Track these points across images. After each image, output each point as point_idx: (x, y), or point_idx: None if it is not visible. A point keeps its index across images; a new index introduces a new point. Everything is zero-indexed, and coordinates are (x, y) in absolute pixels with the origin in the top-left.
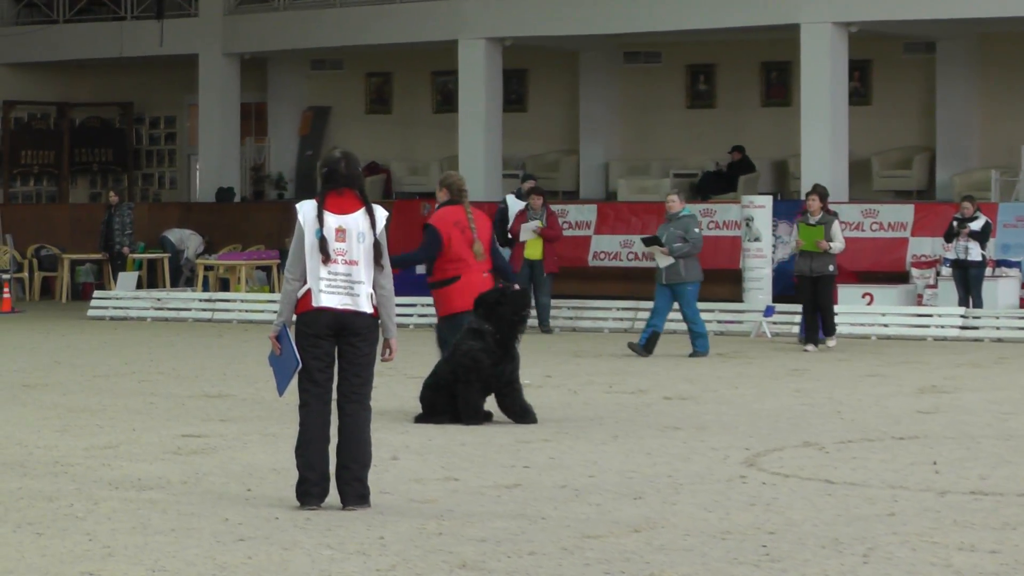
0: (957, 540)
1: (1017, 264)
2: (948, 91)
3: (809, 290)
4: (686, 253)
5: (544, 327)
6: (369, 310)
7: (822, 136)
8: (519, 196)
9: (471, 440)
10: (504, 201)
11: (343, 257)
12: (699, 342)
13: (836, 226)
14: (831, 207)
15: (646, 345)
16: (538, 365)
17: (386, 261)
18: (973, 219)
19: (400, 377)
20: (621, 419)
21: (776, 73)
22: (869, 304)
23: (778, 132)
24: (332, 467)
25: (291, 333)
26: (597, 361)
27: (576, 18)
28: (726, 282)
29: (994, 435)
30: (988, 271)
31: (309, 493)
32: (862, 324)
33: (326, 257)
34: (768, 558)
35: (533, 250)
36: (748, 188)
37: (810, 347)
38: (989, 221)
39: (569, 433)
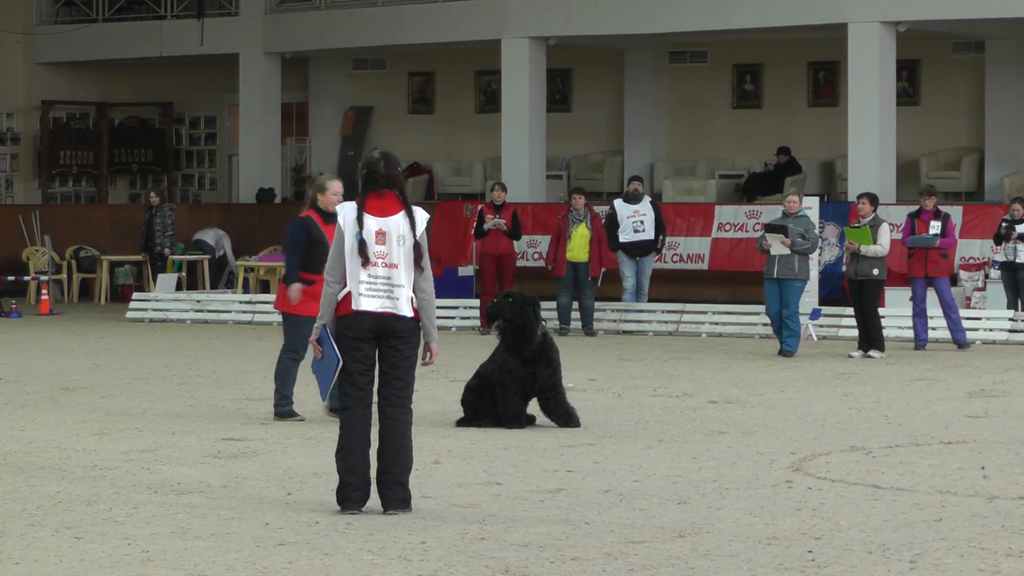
0: (1006, 546)
1: None
2: (997, 91)
3: (856, 294)
4: (806, 250)
5: (588, 330)
6: (409, 313)
7: (870, 137)
8: (627, 199)
9: (514, 444)
10: (612, 206)
11: (383, 260)
12: (792, 341)
13: (884, 228)
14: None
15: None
16: (582, 368)
17: (426, 263)
18: (1022, 221)
19: (442, 380)
20: (666, 423)
21: (823, 73)
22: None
23: (825, 132)
24: (373, 471)
25: (331, 335)
26: (642, 364)
27: (621, 17)
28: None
29: None
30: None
31: (350, 498)
32: (910, 328)
33: (365, 260)
34: (814, 564)
35: (579, 252)
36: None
37: (856, 353)
38: None
39: (613, 437)
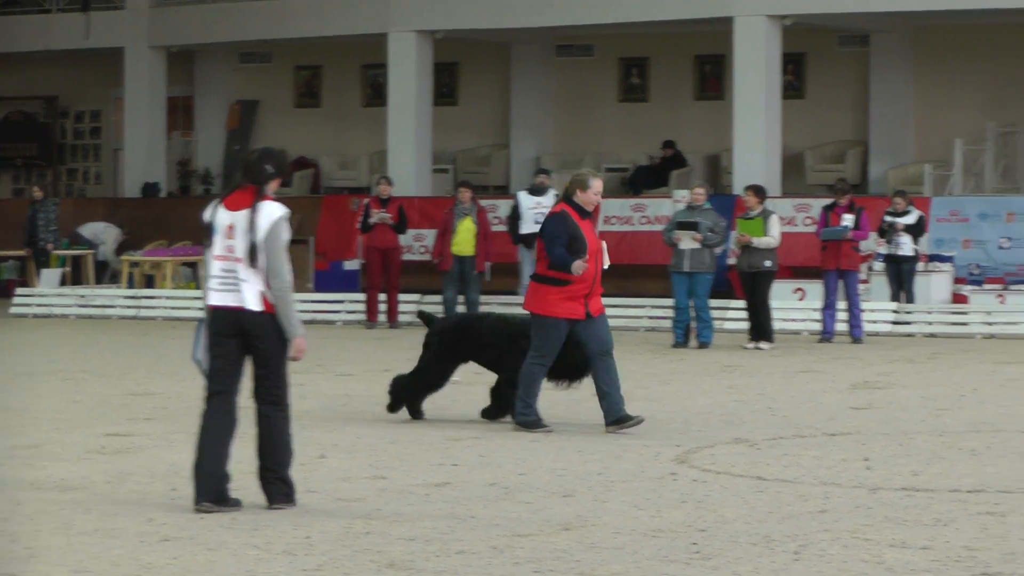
0: (889, 537)
1: (950, 259)
2: (882, 85)
3: (748, 286)
4: (716, 243)
5: None
6: (257, 308)
7: (755, 130)
8: (531, 191)
9: (400, 438)
10: (516, 198)
11: (232, 254)
12: (707, 332)
13: (774, 219)
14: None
15: (686, 340)
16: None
17: (273, 262)
18: (906, 214)
19: (329, 375)
20: (552, 416)
21: (709, 67)
22: (801, 300)
23: (711, 126)
24: (239, 467)
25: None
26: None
27: (508, 11)
28: (658, 278)
29: (927, 431)
30: (921, 266)
31: (197, 491)
32: (795, 320)
33: (217, 254)
34: (699, 556)
35: (464, 246)
36: (680, 183)
37: (750, 345)
38: (923, 215)
39: (499, 431)
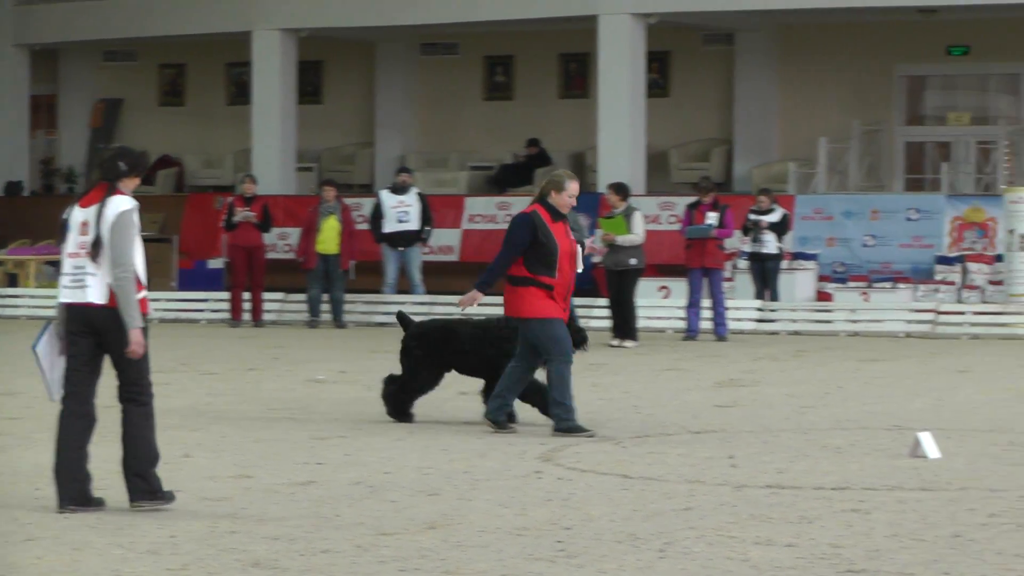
0: (754, 534)
1: (814, 257)
2: (747, 83)
3: (614, 284)
4: (580, 242)
5: (338, 322)
6: (100, 302)
7: (620, 128)
8: (393, 190)
9: (265, 437)
10: (378, 196)
11: (84, 250)
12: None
13: (637, 217)
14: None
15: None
16: (332, 361)
17: (117, 252)
18: (770, 212)
19: (193, 374)
20: (417, 415)
21: (574, 65)
22: (666, 298)
23: (576, 124)
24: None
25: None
26: (392, 357)
27: (372, 9)
28: None
29: (792, 428)
30: (785, 264)
31: (59, 495)
32: (660, 318)
33: (69, 251)
34: (564, 554)
35: (329, 244)
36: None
37: (615, 342)
38: (787, 213)
39: (364, 430)
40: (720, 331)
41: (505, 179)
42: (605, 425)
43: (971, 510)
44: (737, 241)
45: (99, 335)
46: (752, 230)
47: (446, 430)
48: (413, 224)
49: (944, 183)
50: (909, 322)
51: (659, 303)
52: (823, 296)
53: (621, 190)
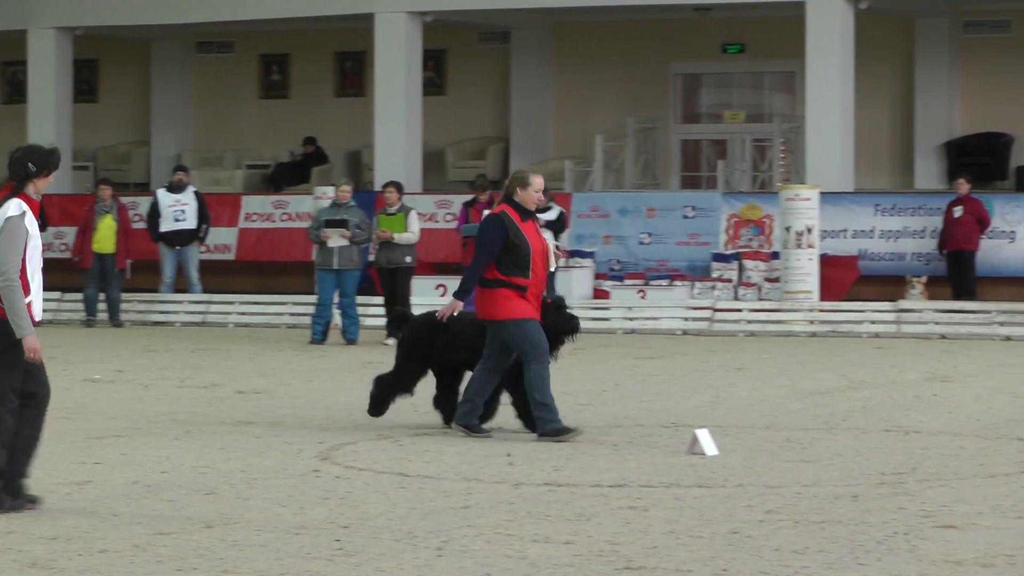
0: (532, 532)
1: (591, 255)
2: (523, 81)
3: (388, 282)
4: (364, 240)
5: (115, 321)
6: None
7: (396, 127)
8: (170, 188)
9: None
10: (155, 195)
11: None
12: (354, 329)
13: (413, 215)
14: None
15: (324, 337)
16: (109, 360)
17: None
18: (547, 210)
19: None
20: (194, 414)
21: (350, 63)
22: (443, 296)
23: (352, 123)
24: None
25: None
26: (169, 355)
27: (147, 7)
28: (299, 274)
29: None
30: (562, 262)
31: None
32: None
33: None
34: (342, 552)
35: (105, 243)
36: (322, 180)
37: (389, 341)
38: (563, 212)
39: (141, 428)
40: None
41: (281, 178)
42: (381, 423)
43: (748, 506)
44: None
45: None
46: None
47: (223, 429)
48: (190, 223)
49: (720, 181)
50: (686, 319)
51: (436, 301)
52: (600, 294)
53: (401, 188)
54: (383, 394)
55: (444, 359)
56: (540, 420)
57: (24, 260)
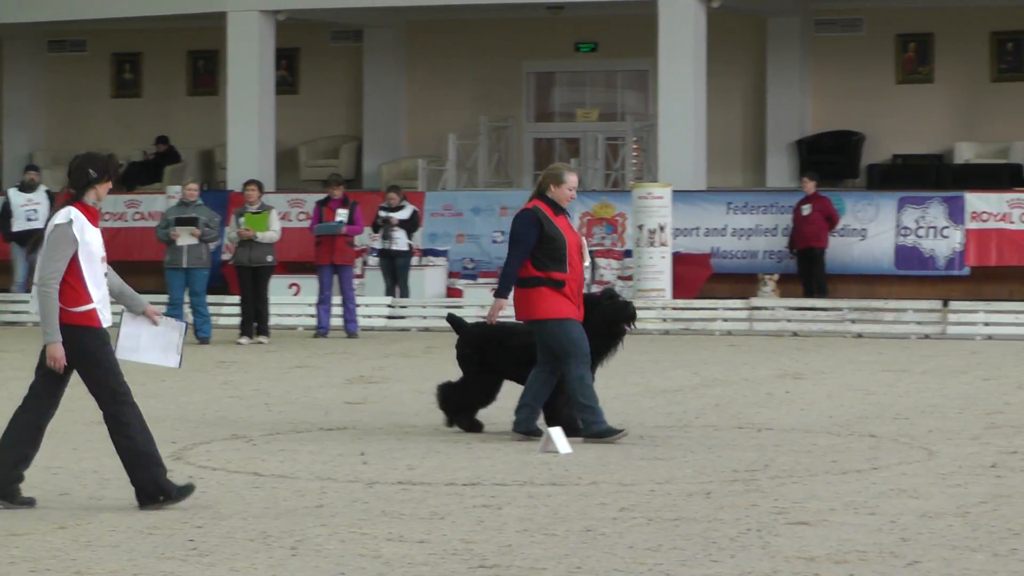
0: (386, 531)
1: (444, 253)
2: (375, 80)
3: (248, 281)
4: (213, 238)
5: None
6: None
7: (249, 126)
8: (22, 188)
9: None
10: (7, 195)
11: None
12: (207, 327)
13: (274, 214)
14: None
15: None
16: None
17: (40, 267)
18: (400, 209)
19: None
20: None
21: (203, 62)
22: (296, 295)
23: (205, 122)
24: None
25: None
26: (19, 356)
27: None
28: (151, 273)
29: (423, 425)
30: (415, 260)
31: None
32: (290, 315)
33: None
34: (196, 552)
35: None
36: (174, 179)
37: (244, 340)
38: (416, 210)
39: None
40: (351, 328)
41: (134, 177)
42: (236, 423)
43: (602, 504)
44: (367, 238)
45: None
46: (382, 227)
47: (75, 429)
48: (42, 223)
49: None
50: None
51: (290, 300)
52: (453, 292)
53: (262, 187)
54: (464, 405)
55: (504, 374)
56: (586, 422)
57: (79, 269)
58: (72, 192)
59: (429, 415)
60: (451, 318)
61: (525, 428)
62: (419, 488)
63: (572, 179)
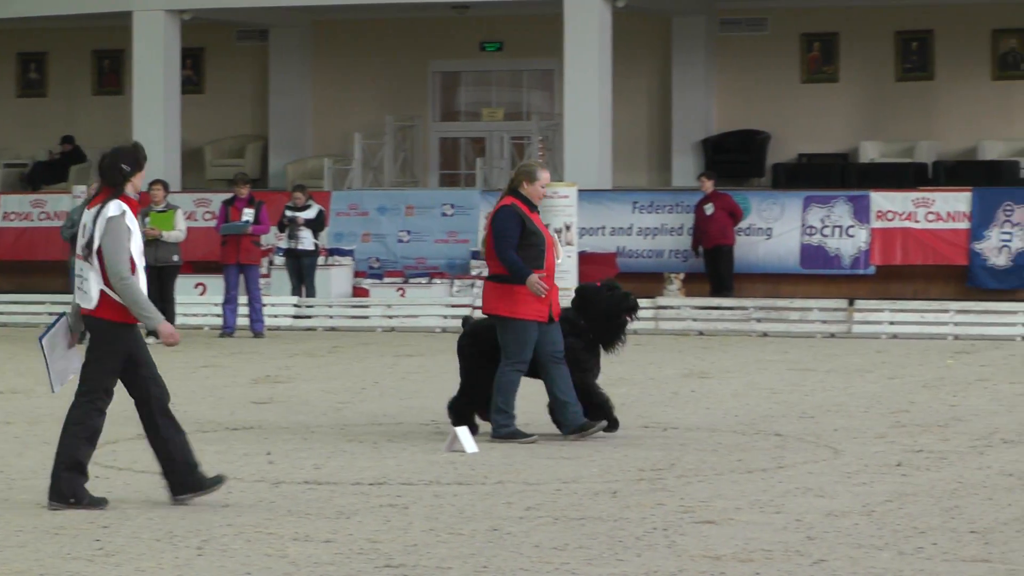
0: (292, 530)
1: (350, 253)
2: (281, 79)
3: (155, 281)
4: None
5: None
6: (90, 307)
7: (154, 126)
8: None
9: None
10: None
11: (83, 254)
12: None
13: (179, 214)
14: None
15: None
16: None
17: (109, 261)
18: (306, 208)
19: None
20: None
21: (108, 61)
22: (202, 294)
23: (110, 121)
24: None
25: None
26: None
27: None
28: (57, 273)
29: (329, 424)
30: (321, 260)
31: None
32: (196, 315)
33: (77, 253)
34: (102, 552)
35: None
36: (80, 178)
37: (151, 340)
38: (322, 210)
39: None
40: (257, 327)
41: (39, 176)
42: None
43: (508, 503)
44: (273, 237)
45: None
46: (288, 226)
47: None
48: None
49: (479, 178)
50: (445, 317)
51: (195, 300)
52: (359, 292)
53: (168, 186)
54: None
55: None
56: (496, 424)
57: (131, 257)
58: (110, 189)
59: (336, 414)
60: (466, 320)
61: (578, 423)
62: (325, 488)
63: (545, 176)
